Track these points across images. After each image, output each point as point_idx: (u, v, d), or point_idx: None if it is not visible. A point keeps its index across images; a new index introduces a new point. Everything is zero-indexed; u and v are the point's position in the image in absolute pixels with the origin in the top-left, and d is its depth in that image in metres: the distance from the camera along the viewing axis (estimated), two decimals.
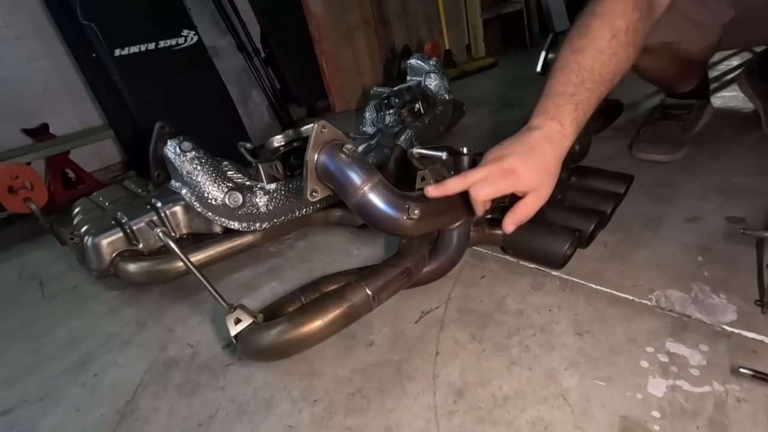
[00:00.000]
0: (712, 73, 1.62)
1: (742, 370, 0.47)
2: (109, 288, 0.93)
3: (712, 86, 1.44)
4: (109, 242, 0.81)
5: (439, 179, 0.67)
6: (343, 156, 0.59)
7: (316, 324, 0.56)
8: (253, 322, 0.60)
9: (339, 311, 0.57)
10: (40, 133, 1.44)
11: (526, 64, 2.54)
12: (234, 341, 0.60)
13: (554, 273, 0.75)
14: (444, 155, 0.62)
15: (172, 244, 0.54)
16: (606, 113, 1.21)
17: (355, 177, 0.59)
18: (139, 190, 0.94)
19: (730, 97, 1.39)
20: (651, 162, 1.06)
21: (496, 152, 0.59)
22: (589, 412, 0.51)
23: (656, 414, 0.50)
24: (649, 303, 0.65)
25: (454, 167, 0.73)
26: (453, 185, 0.57)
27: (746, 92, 1.20)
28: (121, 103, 1.34)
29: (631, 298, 0.67)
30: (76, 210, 0.90)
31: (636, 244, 0.79)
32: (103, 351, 0.75)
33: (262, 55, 1.82)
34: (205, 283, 0.58)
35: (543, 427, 0.50)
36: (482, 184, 0.55)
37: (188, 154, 0.78)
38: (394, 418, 0.54)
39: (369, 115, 1.28)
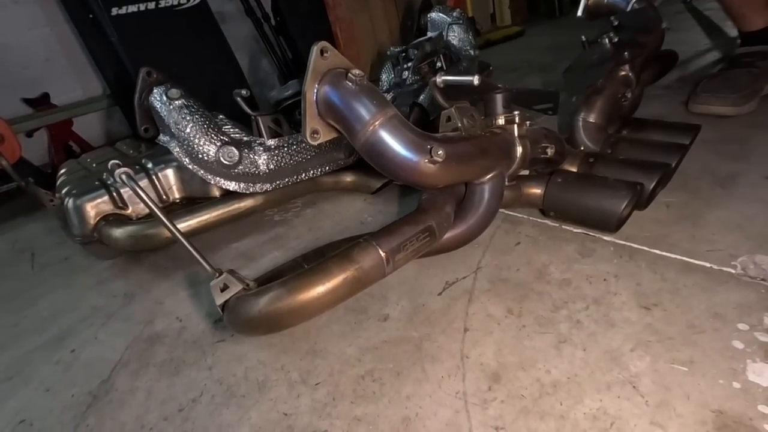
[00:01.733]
0: None
1: None
2: (101, 258, 0.85)
3: None
4: (92, 205, 0.72)
5: (468, 120, 0.55)
6: (349, 84, 0.47)
7: (317, 290, 0.45)
8: (243, 289, 0.49)
9: (345, 275, 0.46)
10: (40, 103, 1.37)
11: (556, 33, 2.36)
12: (221, 312, 0.50)
13: (606, 238, 0.62)
14: (476, 80, 0.49)
15: (137, 188, 0.44)
16: (661, 61, 1.05)
17: (364, 110, 0.47)
18: (131, 152, 0.84)
19: None
20: (713, 116, 0.90)
21: None
22: (669, 404, 0.39)
23: (765, 409, 0.37)
24: (734, 271, 0.52)
25: (485, 106, 0.60)
26: None
27: None
28: (121, 67, 1.26)
29: (708, 265, 0.54)
30: (62, 171, 0.82)
31: (708, 203, 0.65)
32: (84, 325, 0.67)
33: (273, 22, 1.71)
34: (184, 242, 0.48)
35: (608, 423, 0.38)
36: None
37: (176, 102, 0.67)
38: (413, 407, 0.43)
39: (386, 76, 1.15)
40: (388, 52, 1.20)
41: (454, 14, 1.16)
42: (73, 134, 1.41)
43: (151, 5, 1.23)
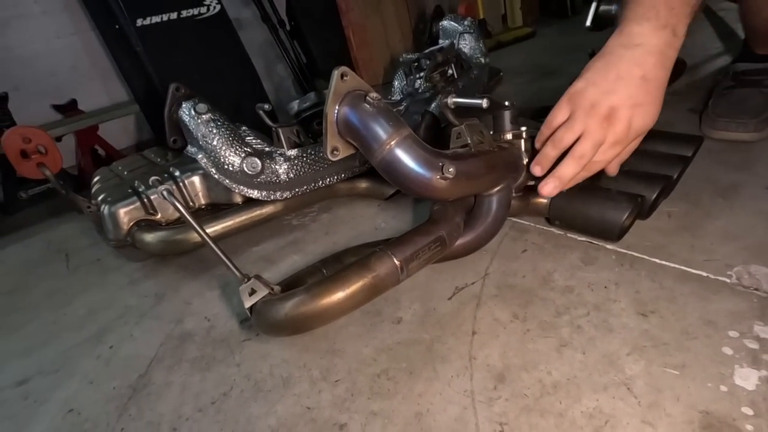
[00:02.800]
0: None
1: None
2: (131, 260, 0.90)
3: None
4: (126, 211, 0.77)
5: (477, 136, 0.58)
6: (367, 107, 0.52)
7: (337, 296, 0.49)
8: (269, 293, 0.54)
9: (363, 282, 0.50)
10: (69, 109, 1.44)
11: (568, 34, 2.37)
12: (248, 314, 0.55)
13: (609, 246, 0.66)
14: (485, 103, 0.53)
15: (178, 205, 0.49)
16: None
17: (381, 130, 0.51)
18: (159, 160, 0.90)
19: None
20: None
21: (585, 93, 0.47)
22: (659, 404, 0.43)
23: (748, 411, 0.40)
24: (729, 280, 0.55)
25: (494, 123, 0.64)
26: (548, 151, 0.47)
27: None
28: (145, 75, 1.31)
29: (705, 274, 0.57)
30: (96, 179, 0.87)
31: (707, 214, 0.68)
32: (120, 323, 0.72)
33: (288, 27, 1.75)
34: (216, 250, 0.53)
35: (603, 421, 0.42)
36: (583, 143, 0.45)
37: (203, 116, 0.72)
38: (424, 404, 0.48)
39: (398, 83, 1.19)
40: (401, 59, 1.23)
41: (465, 23, 1.19)
42: (98, 138, 1.47)
43: (174, 15, 1.29)
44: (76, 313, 0.78)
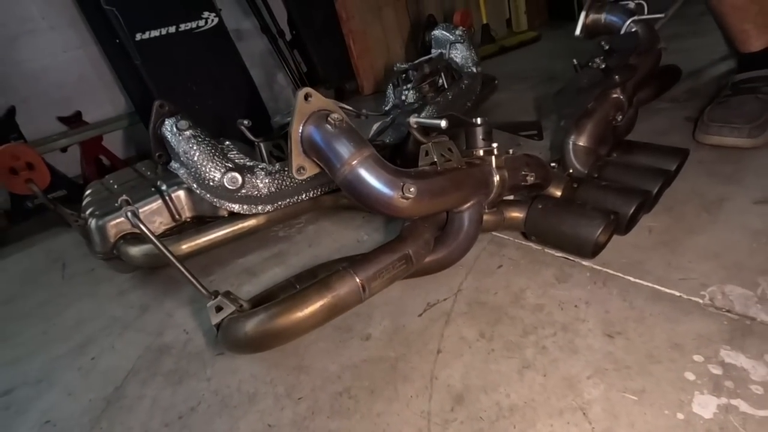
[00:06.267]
0: None
1: None
2: (123, 270, 0.93)
3: None
4: (113, 225, 0.79)
5: (445, 153, 0.58)
6: (329, 127, 0.52)
7: (296, 315, 0.50)
8: (236, 310, 0.55)
9: (322, 302, 0.51)
10: (74, 121, 1.49)
11: (572, 37, 2.33)
12: (216, 330, 0.56)
13: (585, 263, 0.65)
14: (443, 123, 0.53)
15: (142, 226, 0.50)
16: (661, 79, 1.05)
17: (343, 150, 0.52)
18: (149, 173, 0.92)
19: None
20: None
21: None
22: (613, 431, 0.42)
23: None
24: (701, 301, 0.54)
25: (467, 140, 0.64)
26: None
27: None
28: (145, 87, 1.35)
29: (678, 294, 0.56)
30: (87, 192, 0.90)
31: (689, 229, 0.67)
32: (104, 334, 0.74)
33: (288, 36, 1.78)
34: (180, 268, 0.54)
35: None
36: None
37: (185, 132, 0.74)
38: (381, 424, 0.48)
39: (390, 93, 1.20)
40: (395, 68, 1.24)
41: (457, 32, 1.19)
42: (102, 148, 1.52)
43: (172, 29, 1.32)
44: (65, 324, 0.80)
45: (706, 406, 0.42)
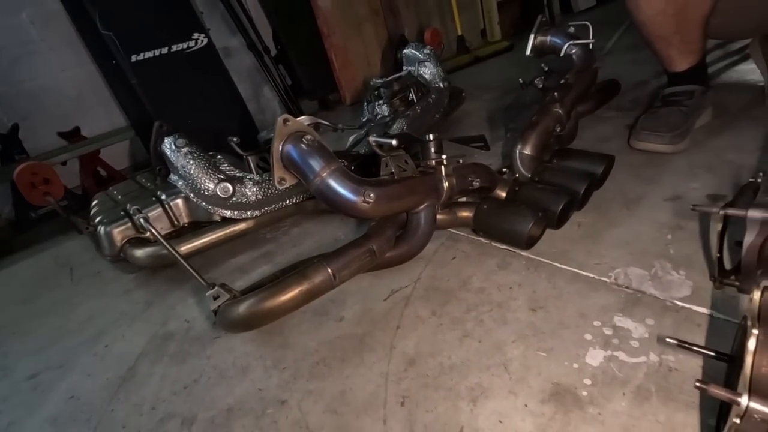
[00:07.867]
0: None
1: (668, 339, 0.48)
2: (126, 272, 1.03)
3: (721, 65, 1.38)
4: (119, 231, 0.90)
5: (401, 164, 0.71)
6: (303, 146, 0.64)
7: (280, 299, 0.62)
8: (230, 297, 0.66)
9: (300, 288, 0.63)
10: (73, 136, 1.59)
11: None
12: (213, 315, 0.67)
13: (523, 253, 0.77)
14: (394, 142, 0.65)
15: (153, 229, 0.61)
16: (602, 93, 1.19)
17: (315, 164, 0.64)
18: (149, 184, 1.03)
19: (746, 70, 1.31)
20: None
21: None
22: (525, 379, 0.54)
23: (587, 381, 0.52)
24: (608, 280, 0.67)
25: (421, 153, 0.76)
26: None
27: (757, 60, 1.13)
28: (140, 104, 1.46)
29: (591, 275, 0.69)
30: (94, 203, 1.01)
31: (610, 223, 0.80)
32: (114, 326, 0.85)
33: (273, 53, 1.90)
34: (185, 264, 0.65)
35: (480, 392, 0.54)
36: None
37: (183, 149, 0.85)
38: (348, 383, 0.60)
39: (365, 107, 1.32)
40: (371, 83, 1.36)
41: (425, 51, 1.32)
42: (100, 160, 1.62)
43: (165, 50, 1.43)
44: (78, 319, 0.91)
45: (595, 357, 0.55)
